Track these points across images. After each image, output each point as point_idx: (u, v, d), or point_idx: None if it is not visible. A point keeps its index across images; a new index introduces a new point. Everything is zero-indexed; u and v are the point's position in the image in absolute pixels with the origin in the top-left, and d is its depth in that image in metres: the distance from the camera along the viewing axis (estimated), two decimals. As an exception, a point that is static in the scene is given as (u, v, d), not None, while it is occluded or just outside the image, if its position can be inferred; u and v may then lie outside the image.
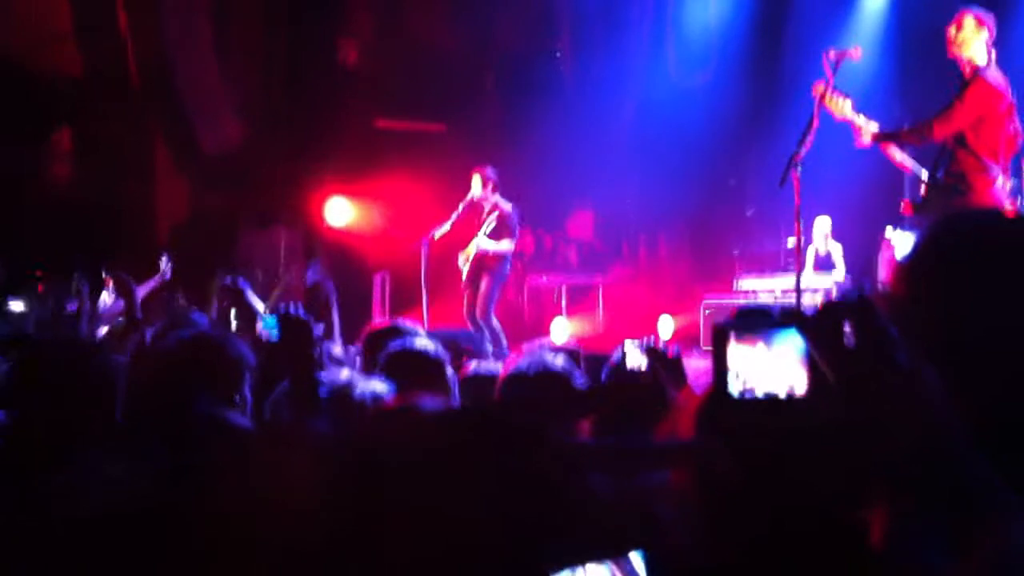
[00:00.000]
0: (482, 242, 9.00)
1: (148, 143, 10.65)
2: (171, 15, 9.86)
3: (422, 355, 3.31)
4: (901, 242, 7.57)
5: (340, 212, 10.94)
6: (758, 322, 1.10)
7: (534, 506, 0.85)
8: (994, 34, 6.35)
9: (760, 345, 1.11)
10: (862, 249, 10.38)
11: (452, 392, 3.26)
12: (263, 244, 9.81)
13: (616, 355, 3.37)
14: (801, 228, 6.83)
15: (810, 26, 11.73)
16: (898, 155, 6.76)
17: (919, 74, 10.93)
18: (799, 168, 6.50)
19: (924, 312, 1.28)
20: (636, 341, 3.57)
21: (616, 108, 13.24)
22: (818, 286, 10.15)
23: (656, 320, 11.03)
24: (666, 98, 12.76)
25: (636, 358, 3.62)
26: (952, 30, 6.35)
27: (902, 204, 6.93)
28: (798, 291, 7.12)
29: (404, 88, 12.23)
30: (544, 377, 2.89)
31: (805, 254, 10.63)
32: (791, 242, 8.06)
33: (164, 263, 7.37)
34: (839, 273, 10.68)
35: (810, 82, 6.96)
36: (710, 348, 1.13)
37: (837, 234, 11.04)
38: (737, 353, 1.11)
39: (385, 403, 2.51)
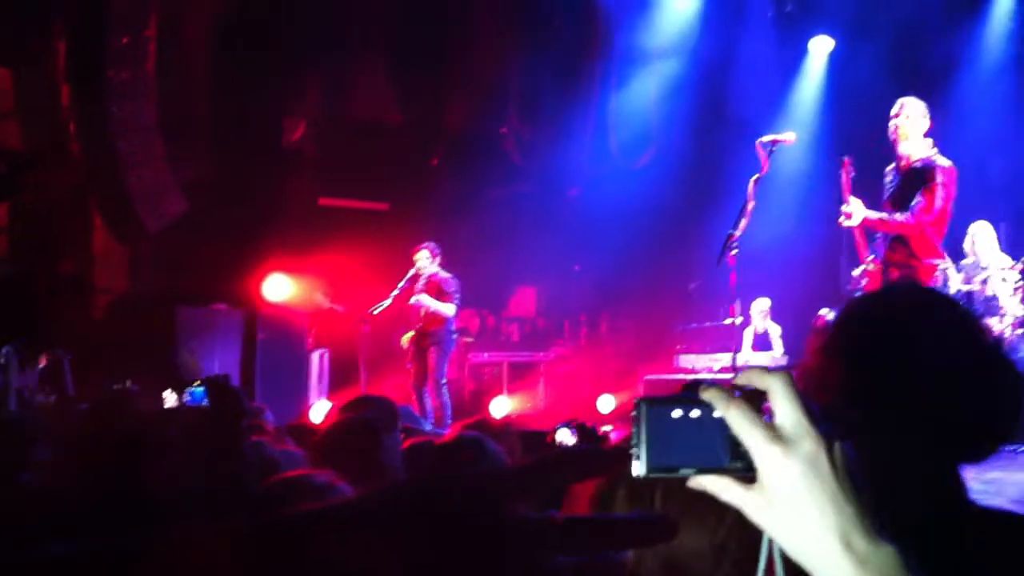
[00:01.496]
0: (423, 298, 8.99)
1: (87, 219, 10.56)
2: (115, 95, 9.86)
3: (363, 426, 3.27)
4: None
5: (280, 289, 10.88)
6: (680, 397, 1.11)
7: None
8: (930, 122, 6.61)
9: (682, 419, 1.11)
10: (799, 330, 10.54)
11: (395, 465, 3.22)
12: (202, 321, 9.70)
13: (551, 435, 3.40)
14: (739, 307, 6.92)
15: (747, 110, 12.08)
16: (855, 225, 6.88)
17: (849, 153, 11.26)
18: (735, 248, 6.61)
19: (833, 384, 1.33)
20: (567, 424, 3.60)
21: (559, 188, 13.42)
22: (756, 365, 10.25)
23: (597, 398, 11.05)
24: (608, 179, 12.98)
25: (565, 437, 3.65)
26: (898, 119, 6.56)
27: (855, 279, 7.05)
28: (735, 370, 7.20)
29: (349, 167, 12.31)
30: (475, 450, 2.88)
31: (743, 334, 10.76)
32: (729, 321, 8.19)
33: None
34: (777, 352, 10.82)
35: (747, 164, 7.14)
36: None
37: (776, 315, 11.20)
38: (656, 427, 1.12)
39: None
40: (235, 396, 2.92)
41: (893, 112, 6.62)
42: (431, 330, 9.07)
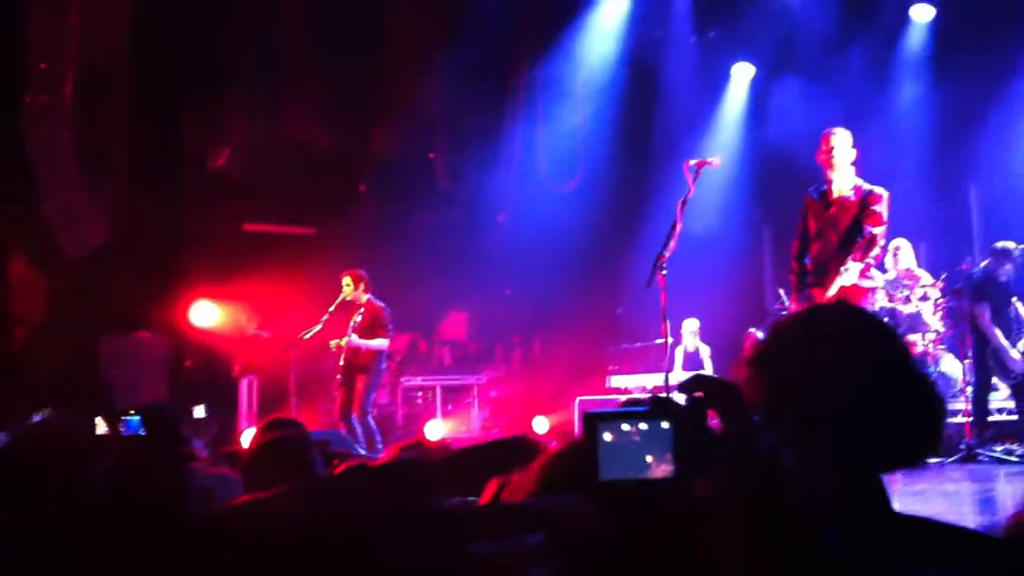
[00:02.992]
0: (356, 341, 8.91)
1: (3, 248, 10.27)
2: (31, 123, 9.65)
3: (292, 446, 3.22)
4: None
5: (206, 315, 10.71)
6: (628, 411, 1.13)
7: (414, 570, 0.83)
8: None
9: (630, 432, 1.14)
10: (729, 350, 10.69)
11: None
12: (126, 349, 9.48)
13: None
14: (669, 328, 6.98)
15: (673, 134, 12.27)
16: None
17: (774, 179, 11.53)
18: (664, 270, 6.68)
19: (758, 400, 1.35)
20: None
21: (488, 213, 13.44)
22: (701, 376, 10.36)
23: (531, 419, 11.06)
24: (537, 203, 13.05)
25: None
26: (828, 149, 6.72)
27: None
28: (667, 389, 7.27)
29: (275, 192, 12.19)
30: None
31: (674, 354, 10.87)
32: (659, 341, 8.27)
33: None
34: (707, 372, 10.94)
35: (673, 186, 7.22)
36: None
37: (705, 335, 11.35)
38: (607, 440, 1.14)
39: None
40: (173, 423, 2.86)
41: (823, 142, 6.78)
42: (361, 362, 8.99)
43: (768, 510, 1.08)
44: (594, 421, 1.13)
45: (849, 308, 1.67)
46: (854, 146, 6.79)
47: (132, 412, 3.82)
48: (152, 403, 2.88)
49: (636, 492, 1.14)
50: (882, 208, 6.63)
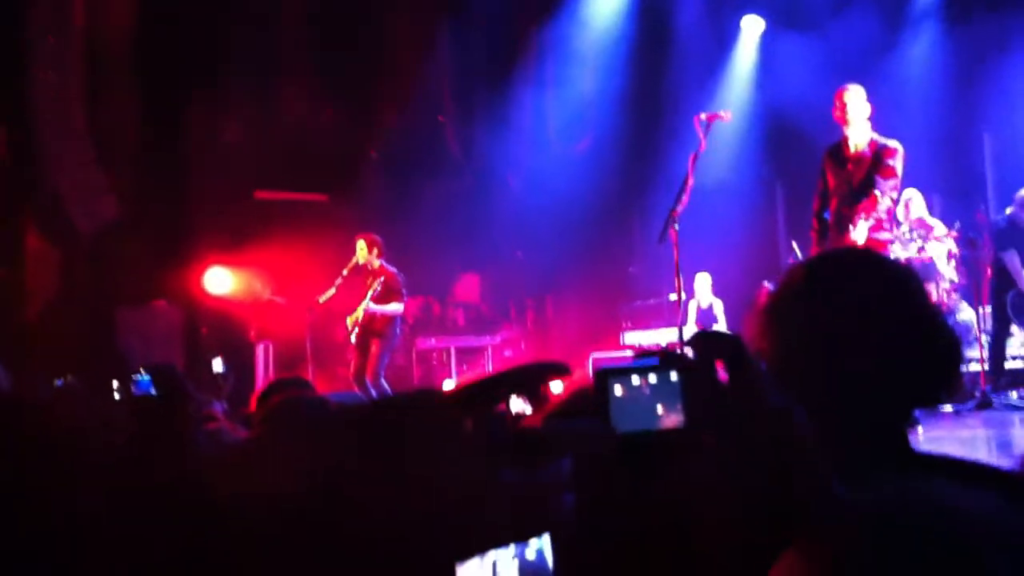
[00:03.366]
0: (370, 306, 8.95)
1: (17, 223, 10.32)
2: (42, 98, 9.67)
3: (308, 406, 3.24)
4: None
5: (221, 282, 10.76)
6: (638, 364, 1.15)
7: (440, 497, 0.84)
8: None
9: (640, 385, 1.16)
10: (742, 304, 10.68)
11: None
12: (142, 319, 9.55)
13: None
14: (682, 283, 6.98)
15: (682, 89, 12.19)
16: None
17: (787, 133, 11.46)
18: (676, 225, 6.67)
19: (774, 348, 1.35)
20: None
21: (499, 176, 13.43)
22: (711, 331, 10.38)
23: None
24: (547, 164, 13.02)
25: (518, 405, 3.65)
26: (843, 104, 6.73)
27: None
28: (681, 345, 7.28)
29: (285, 161, 12.21)
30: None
31: (687, 309, 10.88)
32: (673, 297, 8.29)
33: None
34: (721, 326, 10.95)
35: (684, 142, 7.20)
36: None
37: (718, 290, 11.34)
38: (618, 394, 1.16)
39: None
40: (181, 381, 2.89)
41: (837, 98, 6.79)
42: (375, 327, 9.03)
43: (775, 461, 1.10)
44: (605, 375, 1.14)
45: (862, 251, 1.63)
46: (868, 100, 6.78)
47: (142, 372, 3.89)
48: (160, 363, 2.92)
49: (646, 442, 1.17)
50: (896, 162, 6.64)
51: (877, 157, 6.67)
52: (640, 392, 1.14)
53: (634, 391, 1.14)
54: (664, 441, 1.12)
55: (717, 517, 1.13)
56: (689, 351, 1.12)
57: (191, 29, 10.79)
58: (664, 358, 1.12)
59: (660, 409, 1.12)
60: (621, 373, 1.15)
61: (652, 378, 1.12)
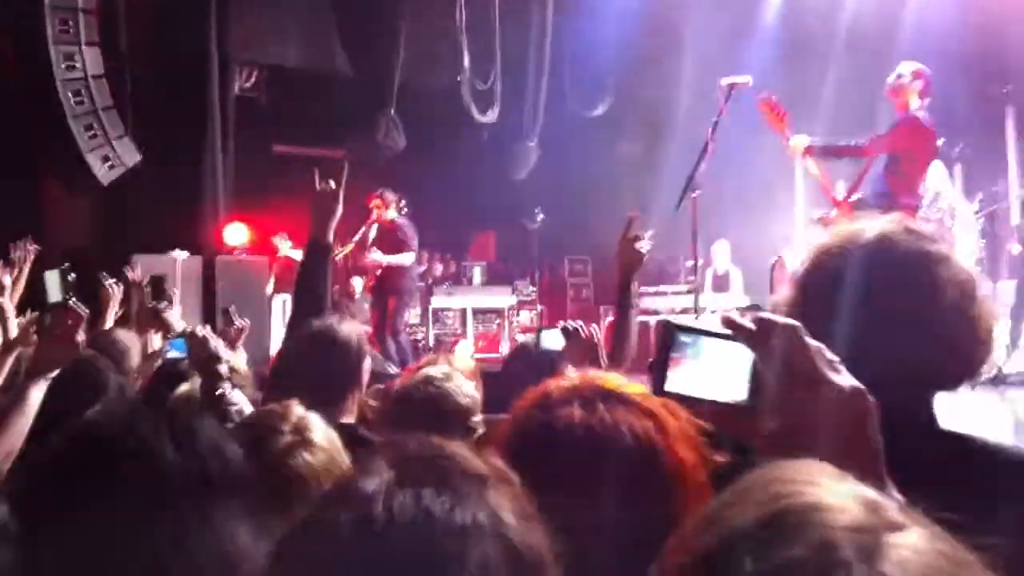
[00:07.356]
0: (377, 256, 8.94)
1: (37, 173, 10.30)
2: (60, 44, 9.60)
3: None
4: (793, 259, 7.85)
5: (238, 236, 10.76)
6: (706, 328, 1.09)
7: None
8: (929, 84, 6.81)
9: (704, 349, 1.10)
10: (758, 272, 10.63)
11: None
12: (160, 269, 9.53)
13: (528, 340, 3.42)
14: (699, 249, 6.97)
15: (703, 52, 12.02)
16: (813, 169, 7.05)
17: (808, 100, 11.33)
18: (695, 191, 6.65)
19: (810, 321, 1.32)
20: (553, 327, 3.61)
21: (516, 137, 13.34)
22: (716, 306, 10.35)
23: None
24: (565, 127, 12.92)
25: (553, 340, 3.63)
26: (892, 77, 6.86)
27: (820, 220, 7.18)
28: (696, 310, 7.29)
29: (302, 116, 12.16)
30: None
31: (704, 275, 10.84)
32: (690, 263, 8.26)
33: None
34: (737, 294, 10.92)
35: (704, 108, 7.15)
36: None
37: (735, 258, 11.28)
38: (680, 352, 1.11)
39: None
40: (213, 347, 2.96)
41: (895, 77, 6.85)
42: (391, 282, 9.02)
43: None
44: (672, 329, 1.09)
45: (897, 226, 1.59)
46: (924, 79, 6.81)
47: (177, 335, 3.91)
48: (193, 329, 2.98)
49: (695, 410, 1.12)
50: (914, 135, 6.64)
51: (898, 130, 6.86)
52: (706, 358, 1.08)
53: (698, 353, 1.08)
54: (717, 412, 1.07)
55: None
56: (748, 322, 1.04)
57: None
58: (736, 330, 1.05)
59: (721, 379, 1.07)
60: (689, 331, 1.08)
61: (721, 345, 1.06)
